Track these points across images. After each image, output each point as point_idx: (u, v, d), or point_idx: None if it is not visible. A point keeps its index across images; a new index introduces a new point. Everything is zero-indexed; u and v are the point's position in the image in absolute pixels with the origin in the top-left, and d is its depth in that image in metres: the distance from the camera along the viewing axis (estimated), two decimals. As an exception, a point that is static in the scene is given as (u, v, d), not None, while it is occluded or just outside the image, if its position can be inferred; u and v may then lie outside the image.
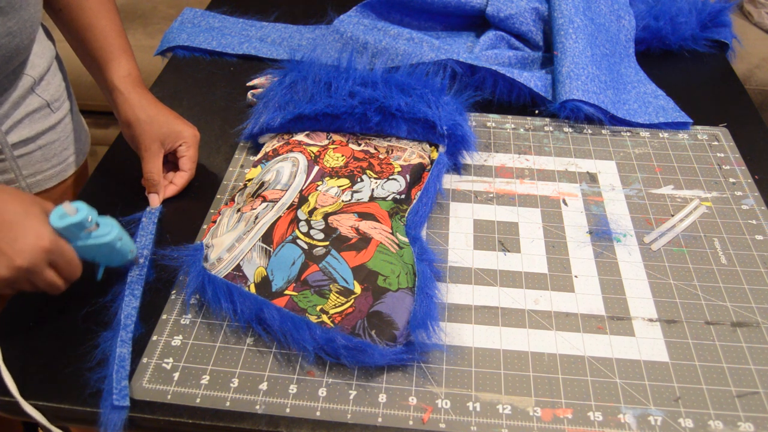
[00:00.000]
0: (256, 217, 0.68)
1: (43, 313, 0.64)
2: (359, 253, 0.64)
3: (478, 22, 1.06)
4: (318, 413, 0.56)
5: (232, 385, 0.58)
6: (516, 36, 1.01)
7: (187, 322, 0.63)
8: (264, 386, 0.58)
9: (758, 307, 0.64)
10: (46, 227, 0.55)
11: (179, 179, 0.77)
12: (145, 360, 0.59)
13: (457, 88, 0.84)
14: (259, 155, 0.79)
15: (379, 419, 0.55)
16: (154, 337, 0.62)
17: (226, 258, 0.65)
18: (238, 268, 0.64)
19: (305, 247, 0.65)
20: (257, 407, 0.56)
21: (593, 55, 0.91)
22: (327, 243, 0.66)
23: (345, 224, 0.68)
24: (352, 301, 0.61)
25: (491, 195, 0.77)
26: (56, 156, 0.85)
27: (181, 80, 0.98)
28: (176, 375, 0.58)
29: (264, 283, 0.63)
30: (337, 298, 0.61)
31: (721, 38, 1.05)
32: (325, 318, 0.60)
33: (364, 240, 0.66)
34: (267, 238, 0.66)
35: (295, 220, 0.68)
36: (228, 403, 0.56)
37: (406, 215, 0.71)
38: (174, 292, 0.66)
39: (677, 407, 0.56)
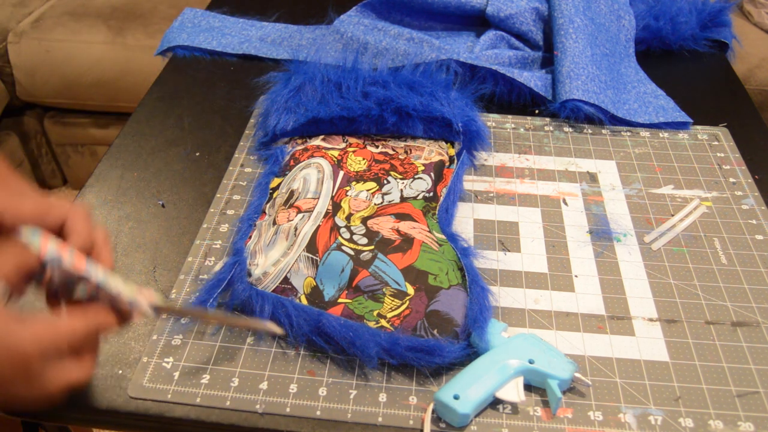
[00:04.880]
0: (296, 229, 0.67)
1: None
2: (405, 255, 0.64)
3: (478, 22, 1.06)
4: (318, 412, 0.56)
5: (232, 384, 0.58)
6: (516, 36, 1.01)
7: (188, 322, 0.63)
8: (264, 386, 0.58)
9: (758, 306, 0.64)
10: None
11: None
12: (145, 359, 0.59)
13: (458, 85, 0.84)
14: (282, 166, 0.78)
15: (379, 419, 0.55)
16: (154, 336, 0.62)
17: (272, 272, 0.64)
18: (286, 280, 0.63)
19: (351, 253, 0.65)
20: (257, 407, 0.56)
21: (593, 54, 0.92)
22: (372, 247, 0.65)
23: (385, 227, 0.67)
24: (407, 302, 0.61)
25: (491, 194, 0.77)
26: None
27: (181, 80, 0.98)
28: (176, 374, 0.58)
29: (315, 293, 0.62)
30: (392, 301, 0.61)
31: (721, 38, 1.05)
32: (383, 322, 0.60)
33: (407, 241, 0.66)
34: (311, 247, 0.65)
35: (336, 228, 0.67)
36: (228, 403, 0.56)
37: (437, 213, 0.71)
38: (174, 291, 0.66)
39: (677, 407, 0.56)
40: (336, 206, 0.70)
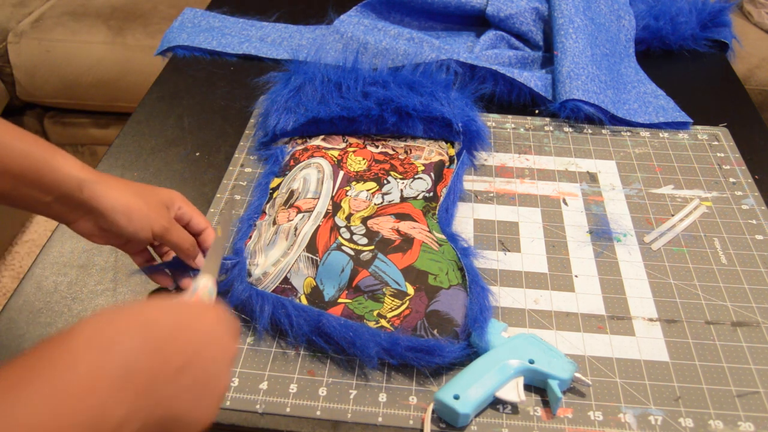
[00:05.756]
0: (296, 229, 0.67)
1: (45, 313, 0.64)
2: (405, 255, 0.64)
3: (478, 22, 1.06)
4: (318, 412, 0.56)
5: (232, 384, 0.58)
6: (516, 36, 1.01)
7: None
8: (264, 386, 0.58)
9: (758, 306, 0.64)
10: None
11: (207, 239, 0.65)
12: (145, 359, 0.59)
13: (458, 85, 0.84)
14: (282, 166, 0.78)
15: (379, 419, 0.55)
16: (154, 337, 0.61)
17: (272, 272, 0.64)
18: (286, 280, 0.63)
19: (351, 253, 0.65)
20: (257, 407, 0.56)
21: (593, 54, 0.92)
22: (372, 247, 0.65)
23: (385, 227, 0.67)
24: (407, 302, 0.61)
25: (491, 194, 0.77)
26: None
27: (181, 80, 0.98)
28: (176, 374, 0.58)
29: (315, 293, 0.62)
30: (392, 301, 0.61)
31: (721, 38, 1.05)
32: (384, 322, 0.59)
33: (407, 241, 0.66)
34: (311, 247, 0.65)
35: (336, 228, 0.67)
36: (228, 403, 0.56)
37: (437, 212, 0.71)
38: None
39: (677, 407, 0.56)
40: (336, 206, 0.70)
